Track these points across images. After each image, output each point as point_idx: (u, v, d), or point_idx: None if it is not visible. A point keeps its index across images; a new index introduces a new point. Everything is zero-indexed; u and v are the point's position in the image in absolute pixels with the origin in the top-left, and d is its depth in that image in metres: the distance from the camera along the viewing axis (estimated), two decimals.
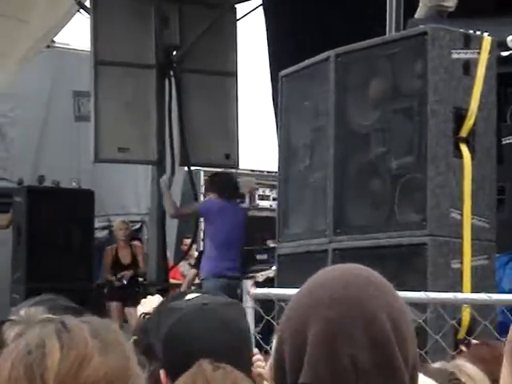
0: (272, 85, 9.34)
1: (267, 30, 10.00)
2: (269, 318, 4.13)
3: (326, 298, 1.35)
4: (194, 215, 9.80)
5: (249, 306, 4.14)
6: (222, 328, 2.20)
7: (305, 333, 1.33)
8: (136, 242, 11.44)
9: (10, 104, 12.71)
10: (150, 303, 2.94)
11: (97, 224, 11.66)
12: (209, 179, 9.48)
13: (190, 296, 2.52)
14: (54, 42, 12.33)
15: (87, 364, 1.28)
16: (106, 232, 12.90)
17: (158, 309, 2.55)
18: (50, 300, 2.27)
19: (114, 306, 10.50)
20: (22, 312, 2.13)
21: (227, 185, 8.94)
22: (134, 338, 2.45)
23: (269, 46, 9.83)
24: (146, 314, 2.59)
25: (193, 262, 12.58)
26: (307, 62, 6.07)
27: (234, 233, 8.93)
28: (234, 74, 10.27)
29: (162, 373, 2.19)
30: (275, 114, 7.97)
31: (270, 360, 2.33)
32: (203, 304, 2.27)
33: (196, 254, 12.77)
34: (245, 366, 2.17)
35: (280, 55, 8.89)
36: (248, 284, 4.36)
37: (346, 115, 5.67)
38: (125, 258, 10.69)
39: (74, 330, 1.33)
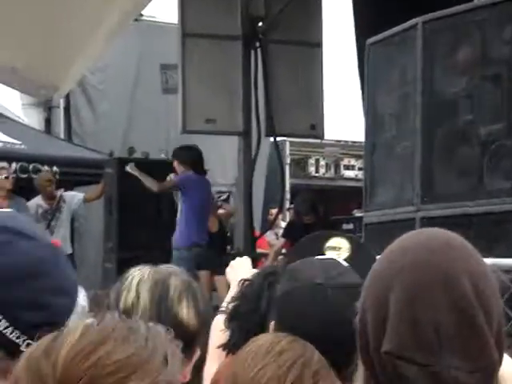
0: (358, 54, 9.30)
1: None
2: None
3: (407, 263, 1.35)
4: (174, 188, 10.05)
5: None
6: (326, 316, 2.09)
7: (387, 299, 1.34)
8: (222, 211, 11.58)
9: (100, 77, 12.95)
10: (241, 265, 2.89)
11: None
12: (181, 154, 9.89)
13: (329, 244, 2.45)
14: (141, 15, 12.49)
15: (101, 348, 1.26)
16: None
17: (262, 273, 2.51)
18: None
19: (202, 274, 10.66)
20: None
21: (199, 159, 9.93)
22: (234, 304, 2.44)
23: (355, 14, 9.77)
24: (246, 280, 2.54)
25: (279, 231, 12.69)
26: (394, 29, 6.05)
27: (207, 204, 9.86)
28: (319, 45, 10.25)
29: (271, 325, 2.14)
30: (361, 83, 7.94)
31: None
32: (317, 284, 2.14)
33: (282, 223, 12.87)
34: (344, 361, 2.12)
35: (366, 23, 8.84)
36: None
37: (433, 82, 5.65)
38: (212, 226, 10.85)
39: (107, 322, 1.32)
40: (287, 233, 10.51)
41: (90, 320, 1.33)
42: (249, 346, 1.87)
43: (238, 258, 2.97)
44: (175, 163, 9.91)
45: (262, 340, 1.88)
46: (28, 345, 1.47)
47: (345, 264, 2.30)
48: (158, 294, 2.14)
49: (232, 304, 2.44)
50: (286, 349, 1.80)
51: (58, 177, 10.67)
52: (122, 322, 1.33)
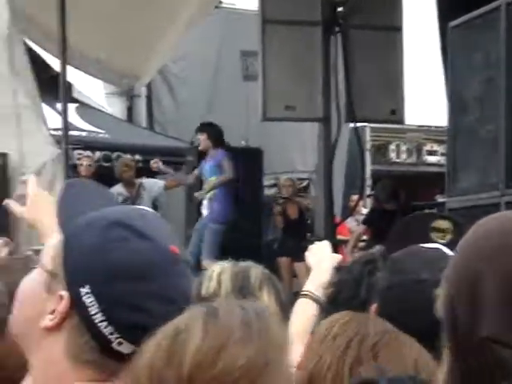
0: (440, 37, 9.17)
1: None
2: None
3: (495, 247, 1.32)
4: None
5: None
6: (428, 311, 2.09)
7: (478, 285, 1.31)
8: (301, 199, 11.58)
9: (181, 65, 13.05)
10: (320, 250, 2.84)
11: (265, 182, 11.85)
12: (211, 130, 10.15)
13: (432, 228, 2.44)
14: (221, 2, 12.54)
15: (224, 353, 1.27)
16: (274, 190, 13.10)
17: (360, 260, 2.49)
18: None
19: (283, 260, 10.69)
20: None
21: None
22: (333, 290, 2.42)
23: None
24: (342, 266, 2.52)
25: (360, 218, 12.62)
26: (477, 11, 5.95)
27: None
28: (400, 29, 10.14)
29: (373, 307, 2.14)
30: (444, 66, 7.83)
31: None
32: (421, 280, 2.10)
33: (363, 210, 12.80)
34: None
35: (448, 6, 8.71)
36: None
37: None
38: (292, 213, 10.86)
39: (223, 317, 1.32)
40: (368, 220, 10.45)
41: (201, 311, 1.33)
42: (310, 337, 1.87)
43: (317, 243, 2.94)
44: (204, 137, 10.01)
45: (319, 328, 1.86)
46: (119, 344, 1.47)
47: (449, 254, 2.26)
48: (239, 282, 2.16)
49: (329, 290, 2.42)
50: (338, 333, 1.78)
51: (139, 164, 10.78)
52: (235, 313, 1.32)
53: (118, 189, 10.52)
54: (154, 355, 1.29)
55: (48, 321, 1.51)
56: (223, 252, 7.46)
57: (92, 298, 1.48)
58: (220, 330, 1.29)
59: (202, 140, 10.10)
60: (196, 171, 10.18)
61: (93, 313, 1.48)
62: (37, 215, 2.19)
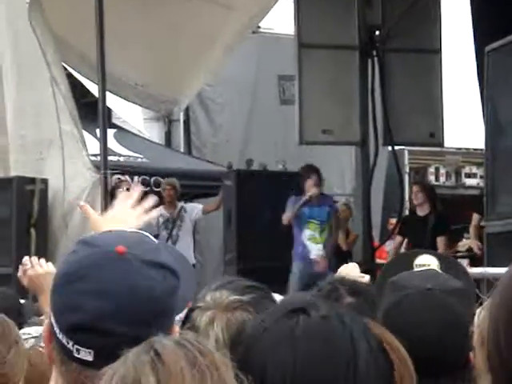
0: (477, 60, 9.13)
1: (472, 3, 9.78)
2: (485, 297, 4.08)
3: None
4: None
5: None
6: (439, 319, 2.12)
7: None
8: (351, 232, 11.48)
9: (218, 90, 13.11)
10: (349, 271, 2.83)
11: None
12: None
13: (417, 262, 2.42)
14: (259, 27, 12.59)
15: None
16: None
17: (380, 278, 2.50)
18: (231, 282, 2.25)
19: None
20: (208, 297, 2.14)
21: None
22: None
23: (473, 20, 9.61)
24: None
25: None
26: None
27: None
28: (438, 51, 10.12)
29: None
30: (481, 89, 7.80)
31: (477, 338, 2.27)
32: (427, 289, 2.17)
33: None
34: (462, 363, 2.10)
35: (485, 30, 8.68)
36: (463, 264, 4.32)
37: None
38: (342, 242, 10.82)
39: (168, 362, 1.29)
40: (402, 229, 10.22)
41: (146, 359, 1.30)
42: None
43: (345, 265, 2.92)
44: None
45: None
46: (78, 351, 1.50)
47: (441, 272, 2.32)
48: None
49: None
50: None
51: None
52: (179, 354, 1.31)
53: (160, 210, 10.58)
54: None
55: (45, 349, 1.58)
56: (259, 276, 7.48)
57: (52, 315, 1.53)
58: (172, 378, 1.26)
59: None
60: (290, 210, 9.76)
61: (55, 329, 1.52)
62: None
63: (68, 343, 1.50)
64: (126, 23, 9.70)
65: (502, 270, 4.20)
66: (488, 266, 5.66)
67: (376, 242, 11.45)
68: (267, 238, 10.15)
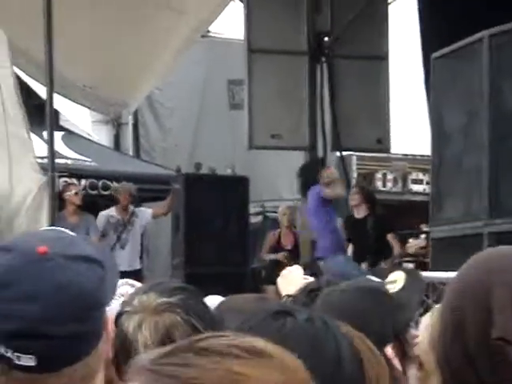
0: (424, 67, 9.24)
1: (419, 11, 9.90)
2: (429, 301, 4.13)
3: (502, 266, 1.52)
4: None
5: None
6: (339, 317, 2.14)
7: (488, 296, 1.49)
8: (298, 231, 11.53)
9: (167, 94, 13.08)
10: (291, 275, 2.81)
11: (251, 210, 11.84)
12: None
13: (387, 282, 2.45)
14: (208, 31, 12.59)
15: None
16: (260, 218, 13.09)
17: (306, 289, 2.50)
18: (158, 284, 2.23)
19: (271, 289, 10.65)
20: (135, 301, 2.12)
21: None
22: None
23: (421, 27, 9.73)
24: (289, 295, 2.50)
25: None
26: (460, 43, 6.00)
27: None
28: (385, 58, 10.22)
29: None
30: (427, 96, 7.89)
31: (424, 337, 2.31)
32: (340, 291, 2.19)
33: None
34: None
35: (432, 36, 8.78)
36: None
37: (501, 97, 5.58)
38: (287, 243, 10.83)
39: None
40: (346, 234, 10.25)
41: None
42: None
43: (288, 268, 2.92)
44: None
45: None
46: (18, 358, 1.48)
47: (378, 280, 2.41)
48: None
49: None
50: None
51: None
52: None
53: (110, 212, 10.52)
54: None
55: None
56: (208, 281, 7.47)
57: None
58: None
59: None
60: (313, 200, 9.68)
61: None
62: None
63: (7, 352, 1.48)
64: (75, 24, 9.64)
65: (446, 275, 4.26)
66: (432, 270, 5.73)
67: None
68: (215, 243, 10.15)
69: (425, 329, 2.36)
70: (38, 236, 1.59)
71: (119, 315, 2.11)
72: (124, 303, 2.15)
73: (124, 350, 2.06)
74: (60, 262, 1.51)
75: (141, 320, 2.08)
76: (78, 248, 1.57)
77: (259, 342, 1.18)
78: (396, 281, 2.47)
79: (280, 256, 10.55)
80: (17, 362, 1.49)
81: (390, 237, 9.57)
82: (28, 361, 1.49)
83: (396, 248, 9.73)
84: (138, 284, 2.56)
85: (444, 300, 1.57)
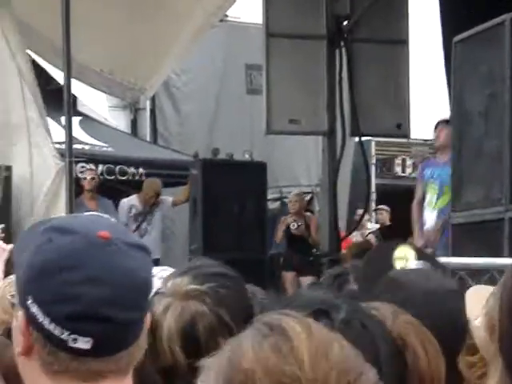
0: (444, 51, 9.14)
1: None
2: None
3: None
4: None
5: None
6: (445, 321, 2.00)
7: None
8: (309, 214, 11.53)
9: (185, 79, 13.04)
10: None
11: (269, 195, 11.81)
12: None
13: (396, 253, 2.38)
14: (226, 16, 12.53)
15: (331, 349, 1.23)
16: (277, 203, 13.06)
17: (332, 273, 2.48)
18: (197, 267, 2.19)
19: (288, 275, 10.64)
20: (170, 283, 2.11)
21: None
22: None
23: (441, 11, 9.61)
24: (314, 282, 2.50)
25: (365, 232, 12.56)
26: (481, 26, 5.92)
27: None
28: (405, 42, 10.11)
29: None
30: (448, 81, 7.80)
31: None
32: (432, 291, 2.09)
33: (368, 224, 12.75)
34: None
35: (453, 20, 8.68)
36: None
37: None
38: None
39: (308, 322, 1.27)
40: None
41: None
42: None
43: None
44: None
45: None
46: (74, 340, 1.48)
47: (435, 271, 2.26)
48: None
49: None
50: None
51: (142, 178, 10.77)
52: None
53: (133, 201, 10.55)
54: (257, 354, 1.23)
55: (19, 347, 1.54)
56: None
57: (36, 306, 1.50)
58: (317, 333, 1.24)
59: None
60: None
61: (41, 320, 1.49)
62: None
63: (62, 334, 1.48)
64: (93, 9, 9.60)
65: (465, 260, 4.21)
66: (453, 256, 5.66)
67: (343, 233, 11.47)
68: (233, 229, 10.13)
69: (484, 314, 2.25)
70: (95, 220, 1.60)
71: (154, 294, 2.06)
72: (162, 283, 2.14)
73: (150, 331, 2.05)
74: (122, 248, 1.53)
75: (169, 304, 2.07)
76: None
77: None
78: (407, 258, 2.40)
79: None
80: (71, 345, 1.49)
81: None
82: (84, 344, 1.49)
83: None
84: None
85: (505, 287, 1.46)
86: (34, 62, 9.88)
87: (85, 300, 1.48)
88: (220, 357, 1.26)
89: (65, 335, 1.49)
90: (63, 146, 8.69)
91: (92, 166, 10.59)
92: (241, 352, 1.23)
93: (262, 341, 1.23)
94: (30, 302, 1.50)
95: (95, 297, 1.48)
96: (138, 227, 10.46)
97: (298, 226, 10.77)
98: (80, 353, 1.49)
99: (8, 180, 8.98)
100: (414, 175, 14.47)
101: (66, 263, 1.49)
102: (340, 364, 1.21)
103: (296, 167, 13.54)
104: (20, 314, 1.53)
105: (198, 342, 1.98)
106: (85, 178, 10.16)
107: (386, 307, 1.85)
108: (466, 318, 1.93)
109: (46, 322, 1.49)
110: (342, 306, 1.42)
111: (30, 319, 1.50)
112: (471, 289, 2.67)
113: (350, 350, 1.25)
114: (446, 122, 8.24)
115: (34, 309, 1.50)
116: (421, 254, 2.45)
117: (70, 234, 1.52)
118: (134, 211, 10.48)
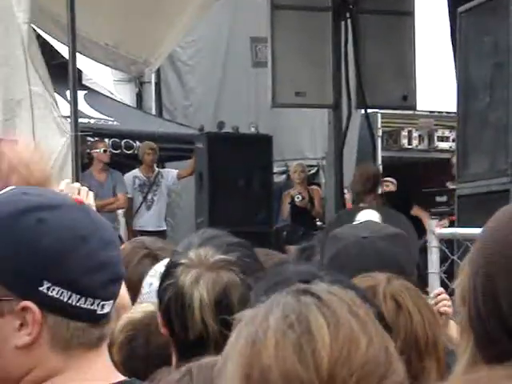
0: (450, 22, 9.09)
1: None
2: (454, 257, 4.09)
3: None
4: None
5: (434, 246, 4.15)
6: (378, 263, 2.15)
7: None
8: (313, 186, 11.52)
9: (189, 52, 13.00)
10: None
11: (275, 169, 11.81)
12: None
13: (359, 218, 2.48)
14: None
15: (356, 348, 1.19)
16: (283, 177, 13.05)
17: (323, 235, 2.55)
18: (214, 238, 2.19)
19: (291, 248, 10.65)
20: (192, 254, 2.10)
21: None
22: None
23: None
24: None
25: None
26: None
27: None
28: (411, 14, 10.06)
29: None
30: (453, 51, 7.76)
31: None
32: (362, 238, 2.25)
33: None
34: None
35: None
36: (433, 224, 4.33)
37: None
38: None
39: (334, 307, 1.22)
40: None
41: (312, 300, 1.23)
42: None
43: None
44: None
45: None
46: (102, 307, 1.48)
47: (380, 223, 2.40)
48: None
49: None
50: None
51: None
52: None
53: (135, 173, 10.58)
54: (278, 352, 1.19)
55: (25, 337, 1.47)
56: None
57: (58, 288, 1.46)
58: (341, 323, 1.21)
59: None
60: None
61: (66, 299, 1.46)
62: None
63: (93, 304, 1.48)
64: None
65: (471, 231, 4.21)
66: (459, 227, 5.66)
67: (349, 205, 11.47)
68: (239, 202, 10.13)
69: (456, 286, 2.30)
70: (52, 191, 1.68)
71: (173, 265, 2.09)
72: (177, 255, 2.13)
73: (177, 302, 2.05)
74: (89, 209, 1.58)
75: (198, 275, 2.06)
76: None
77: None
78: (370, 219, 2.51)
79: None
80: (99, 312, 1.49)
81: (415, 210, 9.39)
82: (108, 307, 1.51)
83: (425, 218, 9.59)
84: None
85: (471, 260, 1.45)
86: (39, 37, 9.86)
87: (110, 264, 1.50)
88: (245, 332, 1.23)
89: (94, 305, 1.48)
90: (68, 120, 8.68)
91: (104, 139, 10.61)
92: (264, 342, 1.20)
93: (285, 333, 1.20)
94: (46, 286, 1.45)
95: (115, 258, 1.51)
96: (144, 199, 10.48)
97: (303, 198, 10.79)
98: (100, 318, 1.49)
99: None
100: (420, 147, 14.45)
101: (79, 235, 1.48)
102: (362, 368, 1.18)
103: (302, 140, 13.51)
104: (26, 303, 1.46)
105: (231, 313, 2.00)
106: (96, 150, 10.16)
107: (380, 274, 1.89)
108: (403, 260, 2.01)
109: (73, 299, 1.46)
110: (324, 277, 1.42)
111: (47, 304, 1.46)
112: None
113: (378, 344, 1.21)
114: None
115: (56, 291, 1.45)
116: (386, 215, 2.54)
117: (56, 209, 1.51)
118: (137, 182, 10.50)
